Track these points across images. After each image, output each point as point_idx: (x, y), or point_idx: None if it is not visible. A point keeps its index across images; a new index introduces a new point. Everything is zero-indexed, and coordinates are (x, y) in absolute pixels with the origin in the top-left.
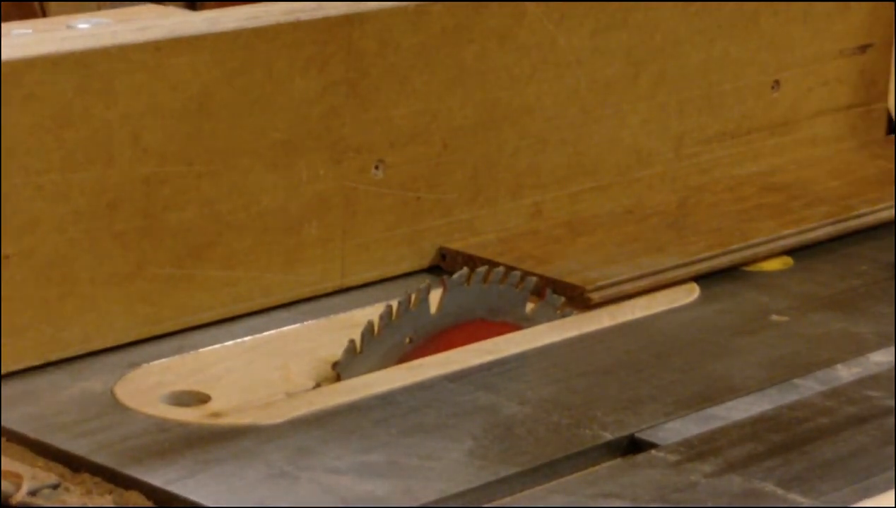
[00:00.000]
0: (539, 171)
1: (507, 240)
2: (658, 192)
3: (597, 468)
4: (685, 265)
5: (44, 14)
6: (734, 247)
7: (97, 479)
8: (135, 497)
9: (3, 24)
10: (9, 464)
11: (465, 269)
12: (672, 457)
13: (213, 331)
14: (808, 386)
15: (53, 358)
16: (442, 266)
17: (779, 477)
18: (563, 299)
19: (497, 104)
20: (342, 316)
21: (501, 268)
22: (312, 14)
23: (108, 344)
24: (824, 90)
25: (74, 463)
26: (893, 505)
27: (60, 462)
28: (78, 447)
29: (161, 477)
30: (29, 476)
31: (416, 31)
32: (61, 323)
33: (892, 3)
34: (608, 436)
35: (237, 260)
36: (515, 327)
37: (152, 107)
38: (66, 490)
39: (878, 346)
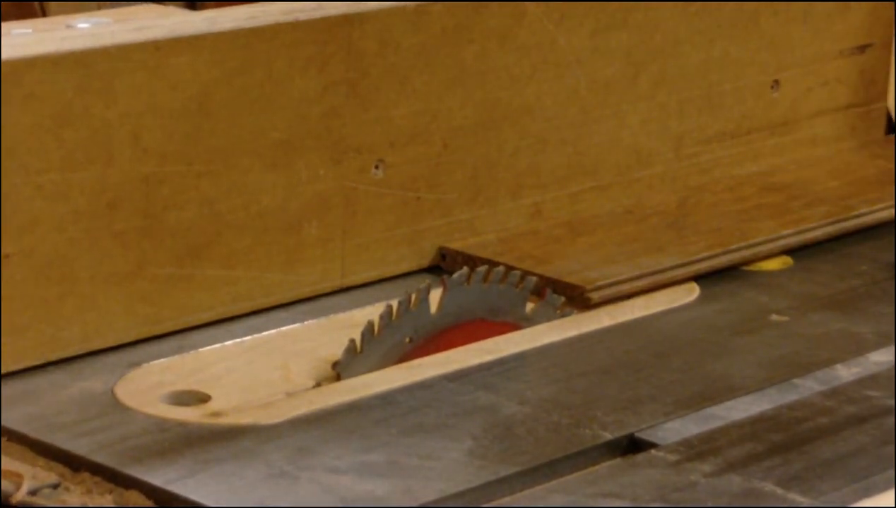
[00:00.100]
0: (539, 171)
1: (507, 239)
2: (658, 192)
3: (596, 467)
4: (685, 265)
5: (44, 14)
6: (734, 246)
7: (97, 479)
8: (135, 496)
9: (3, 24)
10: (9, 464)
11: (465, 269)
12: (672, 457)
13: (213, 331)
14: (808, 386)
15: (53, 357)
16: (442, 266)
17: (778, 477)
18: (563, 299)
19: (497, 104)
20: (342, 315)
21: (501, 268)
22: (312, 14)
23: (108, 344)
24: (824, 90)
25: (74, 463)
26: (893, 505)
27: (61, 461)
28: (78, 446)
29: (161, 477)
30: (29, 475)
31: (416, 31)
32: (61, 323)
33: (892, 3)
34: (608, 436)
35: (237, 260)
36: (515, 327)
37: (152, 106)
38: (67, 489)
39: (878, 346)
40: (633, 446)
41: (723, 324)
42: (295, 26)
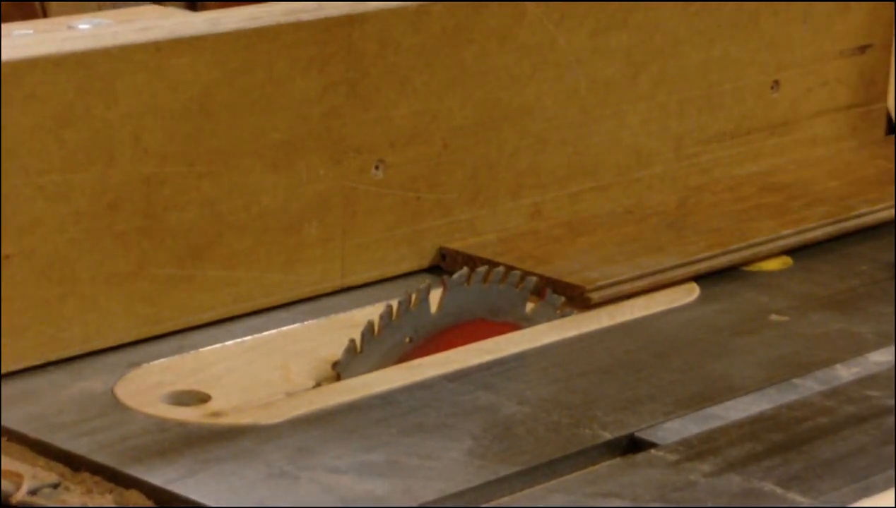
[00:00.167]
0: (539, 171)
1: (507, 239)
2: (658, 192)
3: (596, 467)
4: (685, 265)
5: (45, 14)
6: (734, 246)
7: (97, 478)
8: (135, 496)
9: (4, 25)
10: (9, 464)
11: (465, 269)
12: (671, 457)
13: (214, 331)
14: (808, 386)
15: (54, 357)
16: (442, 266)
17: (778, 477)
18: (563, 299)
19: (497, 104)
20: (342, 315)
21: (501, 268)
22: (313, 14)
23: (109, 344)
24: (824, 90)
25: (75, 463)
26: (893, 505)
27: (61, 461)
28: (78, 446)
29: (161, 477)
30: (29, 475)
31: (416, 31)
32: (62, 323)
33: (892, 4)
34: (608, 436)
35: (237, 261)
36: (515, 327)
37: (153, 107)
38: (67, 489)
39: (878, 346)
40: (632, 446)
41: (723, 324)
42: (296, 27)
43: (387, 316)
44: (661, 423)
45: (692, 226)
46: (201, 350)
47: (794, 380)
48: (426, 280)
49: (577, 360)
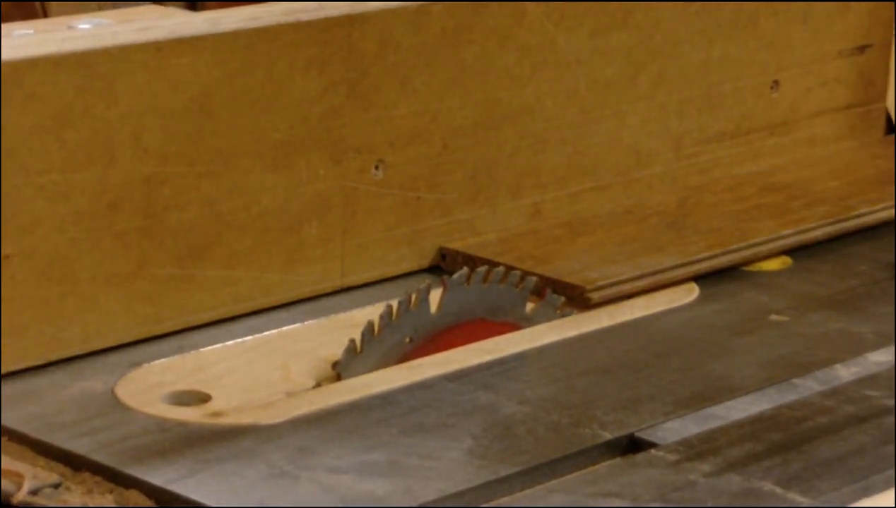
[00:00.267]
0: (539, 171)
1: (507, 239)
2: (658, 192)
3: (596, 467)
4: (685, 265)
5: (45, 14)
6: (734, 246)
7: (98, 478)
8: (135, 496)
9: (4, 25)
10: (10, 464)
11: (465, 269)
12: (671, 457)
13: (214, 331)
14: (808, 386)
15: (54, 357)
16: (442, 266)
17: (778, 477)
18: (563, 299)
19: (497, 104)
20: (342, 315)
21: (501, 268)
22: (313, 14)
23: (109, 344)
24: (823, 90)
25: (75, 463)
26: (893, 505)
27: (61, 461)
28: (79, 446)
29: (161, 477)
30: (30, 475)
31: (416, 31)
32: (62, 323)
33: (892, 4)
34: (608, 436)
35: (237, 260)
36: (515, 327)
37: (153, 107)
38: (67, 489)
39: (877, 346)
40: (632, 446)
41: (722, 324)
42: (296, 27)
43: (387, 316)
44: (661, 423)
45: (692, 226)
46: (201, 350)
47: (794, 380)
48: (426, 280)
49: (577, 360)
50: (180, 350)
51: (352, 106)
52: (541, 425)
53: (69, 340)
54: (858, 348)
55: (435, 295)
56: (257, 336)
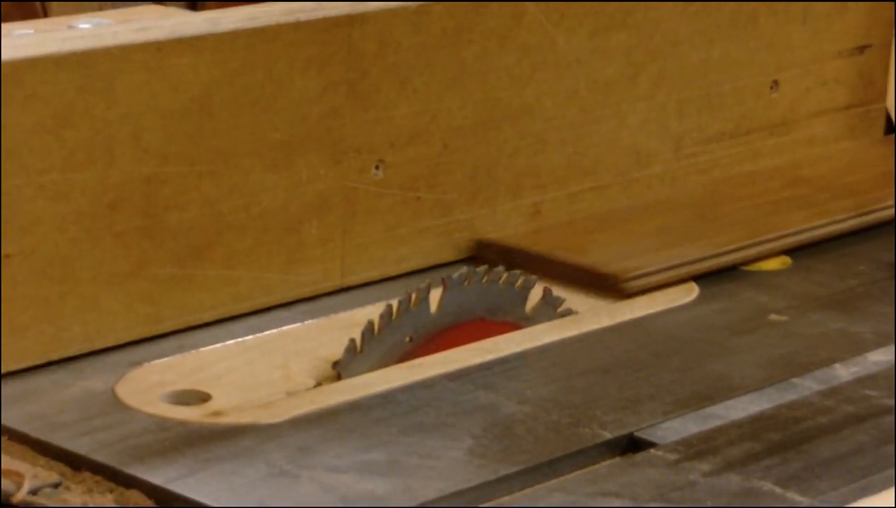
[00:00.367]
0: (539, 171)
1: (542, 230)
2: (658, 192)
3: (596, 466)
4: (717, 256)
5: (45, 14)
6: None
7: (98, 478)
8: (135, 495)
9: (4, 25)
10: (10, 463)
11: (465, 268)
12: (671, 456)
13: (214, 331)
14: (807, 386)
15: (54, 357)
16: (477, 258)
17: (777, 476)
18: (563, 299)
19: (497, 104)
20: (342, 315)
21: (501, 268)
22: (313, 14)
23: (109, 344)
24: (823, 90)
25: (75, 462)
26: (892, 505)
27: (61, 460)
28: (79, 446)
29: (162, 476)
30: (30, 474)
31: (416, 32)
32: (62, 323)
33: (891, 4)
34: (607, 435)
35: (237, 260)
36: (515, 326)
37: (153, 107)
38: (67, 488)
39: (877, 346)
40: (632, 445)
41: (722, 324)
42: (296, 27)
43: (387, 315)
44: (660, 423)
45: (723, 217)
46: (202, 349)
47: (794, 380)
48: (426, 279)
49: (577, 360)
50: (180, 349)
51: (352, 106)
52: (541, 424)
53: (69, 340)
54: (858, 348)
55: (435, 295)
56: (257, 335)
